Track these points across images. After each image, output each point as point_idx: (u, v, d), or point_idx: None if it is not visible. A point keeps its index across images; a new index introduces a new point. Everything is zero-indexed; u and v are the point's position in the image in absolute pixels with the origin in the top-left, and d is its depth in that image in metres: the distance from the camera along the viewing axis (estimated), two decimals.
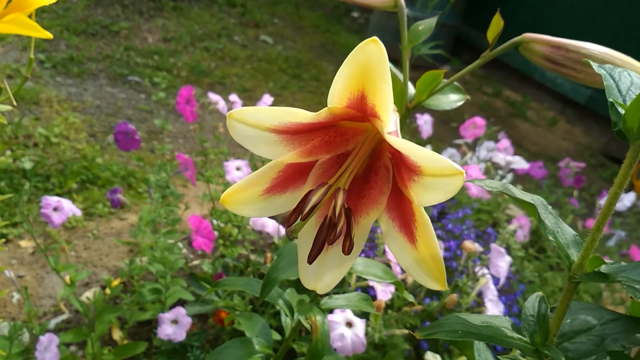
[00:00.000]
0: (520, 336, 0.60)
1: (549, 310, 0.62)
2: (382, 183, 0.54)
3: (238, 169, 1.92)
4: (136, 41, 4.51)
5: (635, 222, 2.54)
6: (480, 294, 1.66)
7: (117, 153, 3.07)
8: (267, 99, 2.02)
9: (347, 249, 0.51)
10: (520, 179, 3.25)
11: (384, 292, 1.48)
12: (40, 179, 2.66)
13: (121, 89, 3.82)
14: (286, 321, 0.92)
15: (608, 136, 4.71)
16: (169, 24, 4.91)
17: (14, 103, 0.91)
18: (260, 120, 0.49)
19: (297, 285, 1.59)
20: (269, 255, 1.75)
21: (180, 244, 2.14)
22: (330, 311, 1.36)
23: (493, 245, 1.51)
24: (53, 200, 1.39)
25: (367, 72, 0.44)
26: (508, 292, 1.87)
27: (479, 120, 2.38)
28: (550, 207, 0.63)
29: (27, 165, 2.67)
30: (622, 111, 0.52)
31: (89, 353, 1.61)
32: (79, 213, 1.46)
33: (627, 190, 3.17)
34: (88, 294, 2.03)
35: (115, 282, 1.80)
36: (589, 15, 4.84)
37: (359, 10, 6.53)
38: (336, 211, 0.49)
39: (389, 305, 1.67)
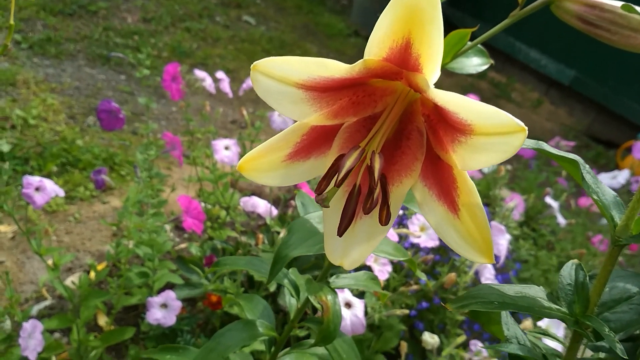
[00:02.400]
0: (557, 306, 0.55)
1: (587, 278, 0.58)
2: (416, 148, 0.49)
3: (227, 148, 1.86)
4: (115, 21, 4.37)
5: (627, 201, 2.53)
6: (477, 273, 1.63)
7: (98, 135, 2.98)
8: None
9: (385, 219, 0.46)
10: (510, 158, 3.23)
11: (382, 272, 1.44)
12: (19, 162, 2.56)
13: (100, 69, 3.70)
14: (291, 302, 0.87)
15: (591, 117, 4.72)
16: (148, 3, 4.77)
17: None
18: (288, 74, 0.43)
19: (297, 263, 1.54)
20: (260, 236, 1.70)
21: (167, 227, 2.08)
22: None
23: (493, 223, 1.48)
24: (35, 179, 1.31)
25: (415, 15, 0.39)
26: (503, 272, 1.85)
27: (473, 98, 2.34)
28: (588, 166, 0.59)
29: (5, 147, 2.57)
30: None
31: (75, 339, 1.55)
32: (62, 193, 1.39)
33: (611, 169, 3.17)
34: (72, 279, 1.96)
35: (101, 266, 1.74)
36: None
37: None
38: (375, 176, 0.44)
39: (386, 286, 1.63)
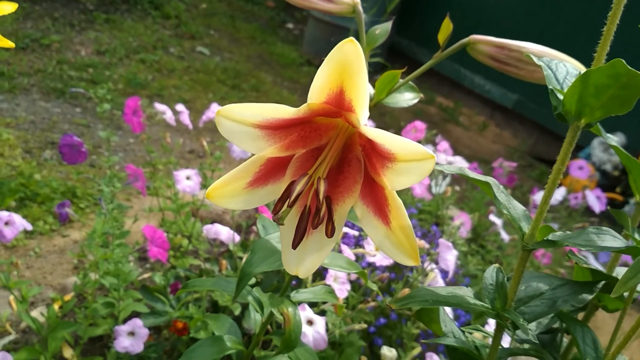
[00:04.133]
0: (482, 303, 0.66)
1: (505, 279, 0.69)
2: (355, 173, 0.59)
3: (188, 178, 1.93)
4: (68, 54, 4.39)
5: (566, 216, 2.72)
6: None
7: (56, 169, 2.99)
8: (215, 107, 2.03)
9: (330, 232, 0.56)
10: (459, 180, 3.40)
11: (341, 291, 1.53)
12: None
13: (55, 103, 3.71)
14: (256, 317, 0.95)
15: (534, 138, 4.98)
16: (101, 36, 4.81)
17: None
18: (247, 117, 0.53)
19: (261, 285, 1.62)
20: (224, 262, 1.77)
21: (130, 257, 2.12)
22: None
23: (441, 240, 1.59)
24: (4, 214, 1.35)
25: (345, 69, 0.49)
26: (453, 286, 1.96)
27: (419, 124, 2.49)
28: (502, 186, 0.70)
29: None
30: (560, 97, 0.59)
31: None
32: (29, 227, 1.43)
33: (558, 186, 3.38)
34: (34, 314, 1.97)
35: (68, 297, 1.77)
36: (510, 26, 5.12)
37: (294, 22, 6.61)
38: (320, 198, 0.53)
39: (345, 304, 1.72)
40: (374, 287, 0.92)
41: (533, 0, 5.02)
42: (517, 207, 0.70)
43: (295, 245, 0.56)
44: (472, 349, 0.72)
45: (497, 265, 0.71)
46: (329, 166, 0.59)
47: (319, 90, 0.52)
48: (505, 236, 2.29)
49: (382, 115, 4.95)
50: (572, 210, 2.73)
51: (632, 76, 0.51)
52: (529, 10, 5.02)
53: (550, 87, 0.61)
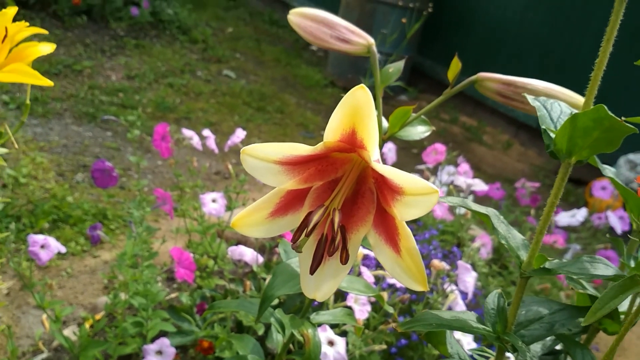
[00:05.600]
0: (483, 326, 0.70)
1: (506, 304, 0.73)
2: (368, 204, 0.64)
3: (214, 201, 1.99)
4: (100, 79, 4.55)
5: (589, 236, 2.71)
6: (449, 309, 1.76)
7: (87, 191, 3.09)
8: (240, 132, 2.11)
9: (344, 259, 0.60)
10: (480, 200, 3.41)
11: (361, 312, 1.56)
12: (11, 220, 2.66)
13: (87, 127, 3.85)
14: (277, 338, 0.99)
15: None
16: (131, 61, 4.97)
17: (16, 145, 0.98)
18: (268, 154, 0.59)
19: (284, 305, 1.66)
20: (248, 283, 1.82)
21: (158, 278, 2.19)
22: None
23: (460, 262, 1.62)
24: (40, 238, 1.43)
25: (357, 113, 0.55)
26: (475, 307, 1.98)
27: (440, 147, 2.52)
28: (502, 217, 0.75)
29: None
30: (553, 135, 0.64)
31: None
32: (63, 250, 1.51)
33: (580, 206, 3.36)
34: (66, 332, 2.05)
35: (99, 317, 1.83)
36: (535, 43, 5.14)
37: None
38: (335, 227, 0.58)
39: (366, 325, 1.75)
40: (391, 309, 0.96)
41: (558, 16, 5.03)
42: (516, 237, 0.75)
43: (312, 271, 0.61)
44: None
45: (498, 290, 0.75)
46: (344, 197, 0.64)
47: (334, 130, 0.57)
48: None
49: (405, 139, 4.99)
50: (596, 230, 2.72)
51: (614, 121, 0.55)
52: (554, 26, 5.03)
53: (543, 127, 0.65)
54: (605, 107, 0.55)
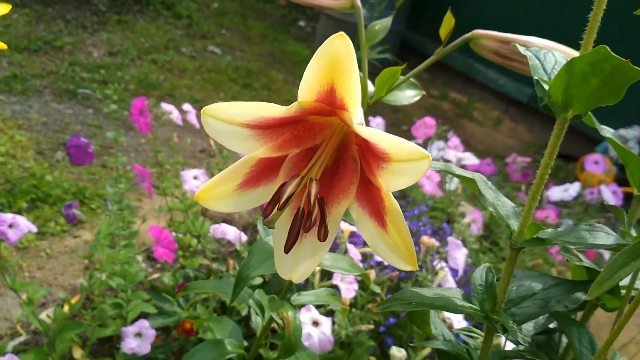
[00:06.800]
0: (470, 304, 0.63)
1: (495, 279, 0.66)
2: (351, 173, 0.57)
3: (195, 178, 1.91)
4: (81, 56, 4.41)
5: (581, 212, 2.67)
6: (439, 287, 1.71)
7: (67, 170, 3.00)
8: None
9: (322, 236, 0.53)
10: None
11: (348, 290, 1.50)
12: None
13: (68, 104, 3.73)
14: (257, 320, 0.93)
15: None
16: (114, 37, 4.82)
17: None
18: (234, 116, 0.51)
19: (265, 287, 1.60)
20: (231, 262, 1.76)
21: (139, 257, 2.12)
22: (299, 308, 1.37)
23: (450, 239, 1.56)
24: (8, 217, 1.35)
25: (335, 65, 0.47)
26: (466, 284, 1.93)
27: (429, 120, 2.45)
28: (490, 182, 0.67)
29: None
30: (546, 87, 0.56)
31: None
32: (34, 229, 1.43)
33: (572, 181, 3.32)
34: (45, 314, 1.98)
35: (75, 299, 1.76)
36: (526, 17, 5.05)
37: (305, 19, 6.59)
38: (311, 200, 0.51)
39: (353, 304, 1.69)
40: (377, 289, 0.90)
41: None
42: (506, 204, 0.67)
43: (287, 249, 0.54)
44: (462, 352, 0.69)
45: (487, 264, 0.68)
46: (324, 167, 0.56)
47: (309, 87, 0.50)
48: None
49: (395, 112, 4.91)
50: (588, 205, 2.67)
51: (617, 64, 0.48)
52: (545, 2, 4.94)
53: (535, 77, 0.57)
54: (607, 47, 0.48)
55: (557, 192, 2.51)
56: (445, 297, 0.63)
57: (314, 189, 0.51)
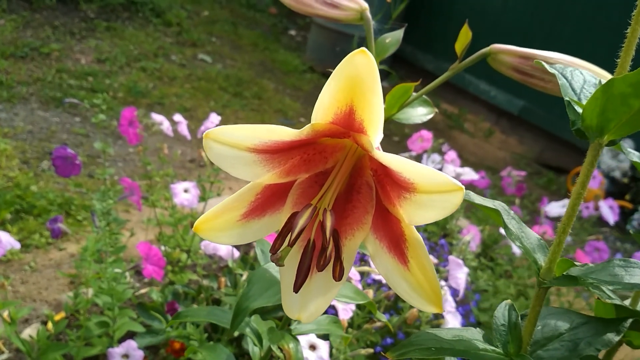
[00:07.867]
0: (493, 347, 0.58)
1: (519, 318, 0.60)
2: (366, 202, 0.51)
3: (186, 191, 1.85)
4: (68, 63, 4.33)
5: (578, 227, 2.63)
6: None
7: (53, 180, 2.92)
8: (214, 118, 1.96)
9: (338, 274, 0.47)
10: (465, 187, 3.32)
11: (345, 311, 1.45)
12: None
13: (54, 112, 3.65)
14: (254, 350, 0.87)
15: (541, 145, 4.89)
16: (102, 44, 4.75)
17: None
18: (239, 139, 0.45)
19: (261, 311, 1.53)
20: (222, 279, 1.69)
21: (126, 273, 2.04)
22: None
23: (451, 258, 1.51)
24: None
25: (356, 85, 0.42)
26: (463, 303, 1.88)
27: (426, 134, 2.41)
28: (512, 212, 0.62)
29: None
30: (579, 110, 0.51)
31: None
32: (17, 245, 1.36)
33: (562, 195, 3.28)
34: (29, 331, 1.90)
35: (59, 317, 1.69)
36: (516, 31, 5.05)
37: (296, 29, 6.55)
38: (326, 234, 0.45)
39: (350, 324, 1.64)
40: (383, 318, 0.84)
41: (539, 4, 4.95)
42: (530, 236, 0.62)
43: (297, 288, 0.48)
44: None
45: (509, 302, 0.62)
46: (336, 194, 0.51)
47: (325, 109, 0.44)
48: (516, 250, 2.20)
49: (387, 122, 4.87)
50: (584, 220, 2.64)
51: None
52: (536, 13, 4.95)
53: (566, 98, 0.52)
54: None
55: (555, 208, 2.47)
56: (466, 340, 0.57)
57: (329, 222, 0.46)
